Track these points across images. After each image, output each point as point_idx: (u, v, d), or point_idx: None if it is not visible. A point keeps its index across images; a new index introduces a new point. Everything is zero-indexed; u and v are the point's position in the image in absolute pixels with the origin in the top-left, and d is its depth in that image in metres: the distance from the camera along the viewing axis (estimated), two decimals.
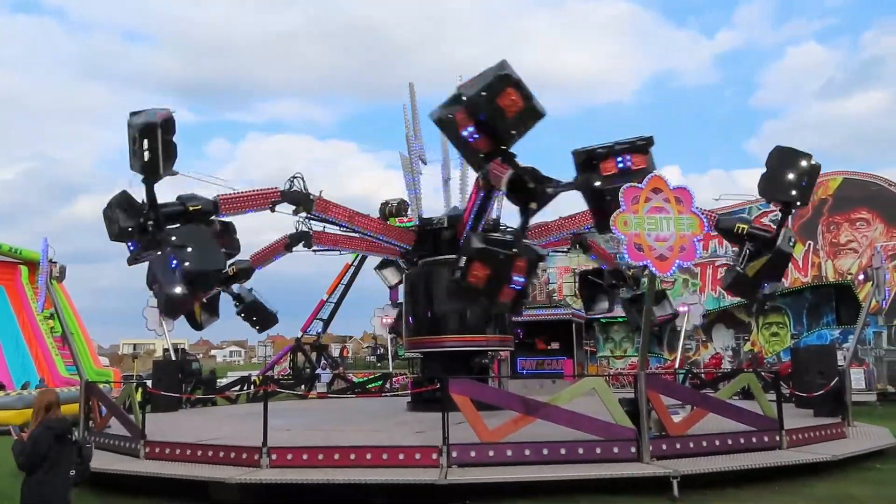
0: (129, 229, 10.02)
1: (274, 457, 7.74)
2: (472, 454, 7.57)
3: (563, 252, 22.36)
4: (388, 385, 20.63)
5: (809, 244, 23.05)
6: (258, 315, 14.66)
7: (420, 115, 15.37)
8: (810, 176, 10.58)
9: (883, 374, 21.02)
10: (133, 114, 9.65)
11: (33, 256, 19.01)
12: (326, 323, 33.12)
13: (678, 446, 7.91)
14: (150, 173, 9.57)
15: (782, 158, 10.53)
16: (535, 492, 7.23)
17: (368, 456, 7.63)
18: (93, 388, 10.70)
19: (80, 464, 5.14)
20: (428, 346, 13.50)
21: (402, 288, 15.45)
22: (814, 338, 22.41)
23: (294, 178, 11.87)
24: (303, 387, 20.61)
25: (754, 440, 8.33)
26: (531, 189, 8.68)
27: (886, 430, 10.52)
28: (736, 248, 11.59)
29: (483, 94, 8.27)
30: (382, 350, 38.89)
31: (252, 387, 19.50)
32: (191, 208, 10.60)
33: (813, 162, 10.52)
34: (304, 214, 12.33)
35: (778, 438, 8.46)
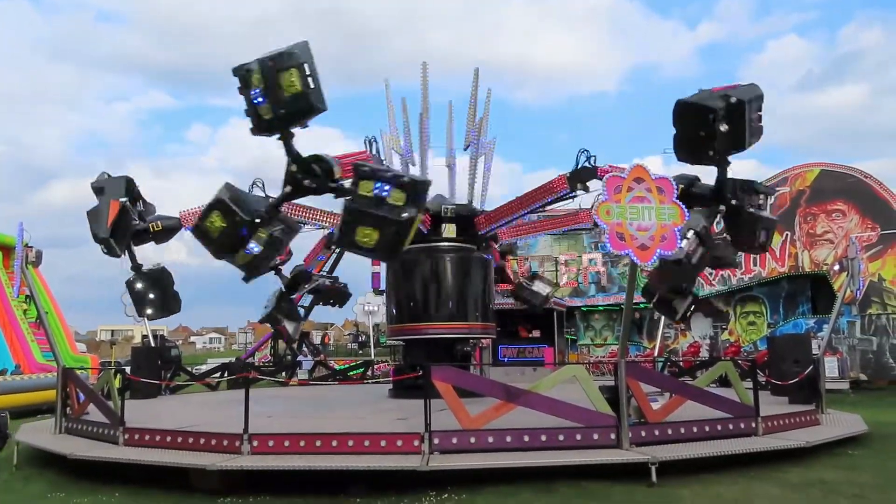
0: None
1: (255, 443, 7.72)
2: (454, 441, 7.61)
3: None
4: (369, 372, 20.63)
5: (787, 235, 23.35)
6: (333, 296, 17.40)
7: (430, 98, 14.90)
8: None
9: (856, 362, 21.45)
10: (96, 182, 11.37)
11: (8, 241, 18.64)
12: (308, 310, 32.92)
13: (657, 433, 8.01)
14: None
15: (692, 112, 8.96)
16: (515, 478, 7.29)
17: (350, 443, 7.63)
18: (70, 374, 10.57)
19: None
20: (410, 333, 13.52)
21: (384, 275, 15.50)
22: (790, 327, 22.75)
23: (254, 183, 12.00)
24: (283, 374, 20.54)
25: (731, 427, 8.47)
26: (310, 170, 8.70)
27: (858, 417, 10.75)
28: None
29: (270, 62, 8.05)
30: (364, 337, 38.92)
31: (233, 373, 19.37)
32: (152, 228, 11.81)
33: (733, 100, 8.73)
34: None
35: (754, 425, 8.61)
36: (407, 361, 14.50)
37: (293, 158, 8.69)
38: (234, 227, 8.58)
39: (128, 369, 14.43)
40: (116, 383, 10.11)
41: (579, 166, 11.59)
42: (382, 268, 21.63)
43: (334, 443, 7.63)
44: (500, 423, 7.81)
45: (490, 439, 7.65)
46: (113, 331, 72.90)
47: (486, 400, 8.22)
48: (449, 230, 13.37)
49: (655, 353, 20.80)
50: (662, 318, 19.78)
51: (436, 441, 7.53)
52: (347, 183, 8.67)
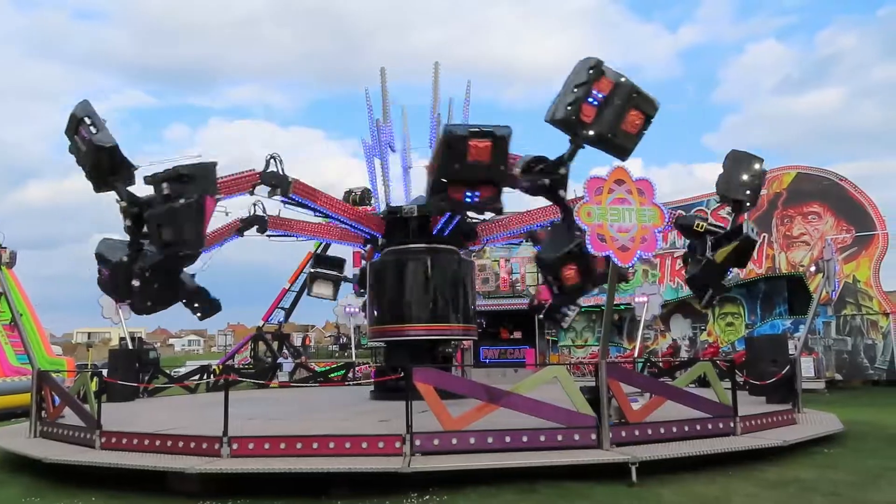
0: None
1: (235, 446, 7.65)
2: (436, 442, 7.61)
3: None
4: (351, 374, 20.55)
5: (764, 237, 23.67)
6: (200, 302, 13.25)
7: (393, 101, 15.01)
8: (761, 178, 11.41)
9: (831, 362, 21.81)
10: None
11: None
12: (288, 312, 32.75)
13: (637, 433, 8.08)
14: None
15: (737, 161, 11.15)
16: (497, 479, 7.30)
17: (331, 445, 7.60)
18: (45, 377, 10.40)
19: None
20: (391, 334, 13.49)
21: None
22: (767, 327, 23.05)
23: (272, 157, 11.65)
24: (266, 376, 20.39)
25: (710, 427, 8.57)
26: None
27: (834, 417, 10.92)
28: (697, 242, 11.89)
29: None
30: (345, 339, 38.72)
31: (212, 376, 19.22)
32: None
33: (763, 165, 11.31)
34: (278, 197, 12.05)
35: (732, 425, 8.72)
36: (388, 363, 14.46)
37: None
38: None
39: (105, 372, 14.20)
40: (93, 386, 9.95)
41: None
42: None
43: (315, 445, 7.59)
44: (481, 425, 7.82)
45: (472, 440, 7.65)
46: (90, 333, 71.81)
47: (467, 401, 8.23)
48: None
49: (635, 354, 20.95)
50: (643, 319, 19.98)
51: (417, 443, 7.52)
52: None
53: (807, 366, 19.57)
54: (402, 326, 13.19)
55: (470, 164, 8.98)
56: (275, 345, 31.10)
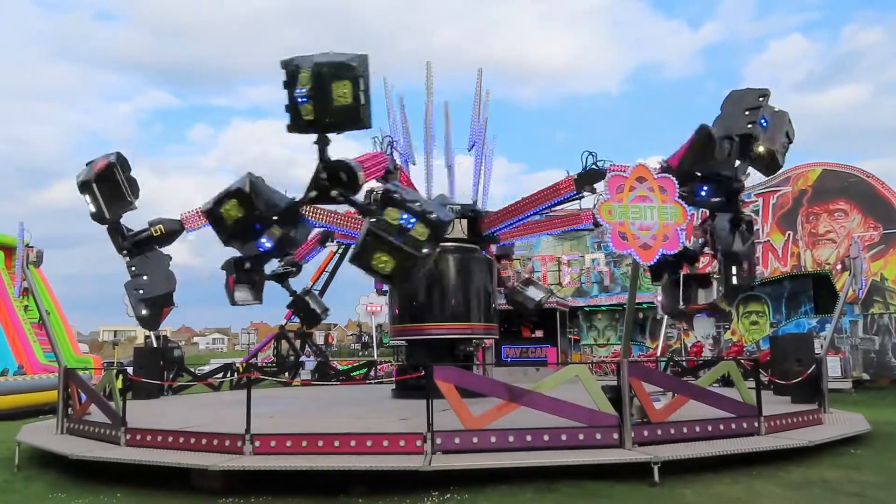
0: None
1: (257, 444, 7.72)
2: (457, 441, 7.60)
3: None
4: (372, 373, 20.62)
5: (789, 234, 23.32)
6: (304, 311, 16.55)
7: (433, 97, 14.78)
8: (781, 117, 10.08)
9: (858, 361, 21.43)
10: (88, 163, 10.62)
11: (9, 241, 18.68)
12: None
13: (659, 433, 8.00)
14: (99, 221, 10.59)
15: (736, 100, 9.92)
16: (518, 478, 7.28)
17: (352, 443, 7.63)
18: (72, 375, 10.58)
19: None
20: (413, 333, 13.51)
21: None
22: (792, 326, 22.72)
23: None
24: (286, 374, 20.55)
25: (733, 426, 8.46)
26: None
27: (861, 417, 10.73)
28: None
29: (325, 68, 7.87)
30: (367, 338, 38.92)
31: (235, 374, 19.40)
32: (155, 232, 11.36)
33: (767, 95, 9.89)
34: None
35: (756, 425, 8.60)
36: (409, 362, 14.48)
37: (324, 164, 8.61)
38: (249, 219, 8.42)
39: (130, 370, 14.39)
40: (118, 384, 10.10)
41: (587, 168, 11.55)
42: None
43: (336, 443, 7.63)
44: (502, 423, 7.80)
45: (492, 439, 7.64)
46: (116, 331, 73.01)
47: (488, 400, 8.21)
48: (461, 227, 13.33)
49: (658, 353, 20.76)
50: (665, 317, 19.78)
51: (438, 441, 7.52)
52: (369, 191, 8.82)
53: (833, 365, 19.24)
54: (424, 325, 13.20)
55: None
56: (297, 343, 31.31)
